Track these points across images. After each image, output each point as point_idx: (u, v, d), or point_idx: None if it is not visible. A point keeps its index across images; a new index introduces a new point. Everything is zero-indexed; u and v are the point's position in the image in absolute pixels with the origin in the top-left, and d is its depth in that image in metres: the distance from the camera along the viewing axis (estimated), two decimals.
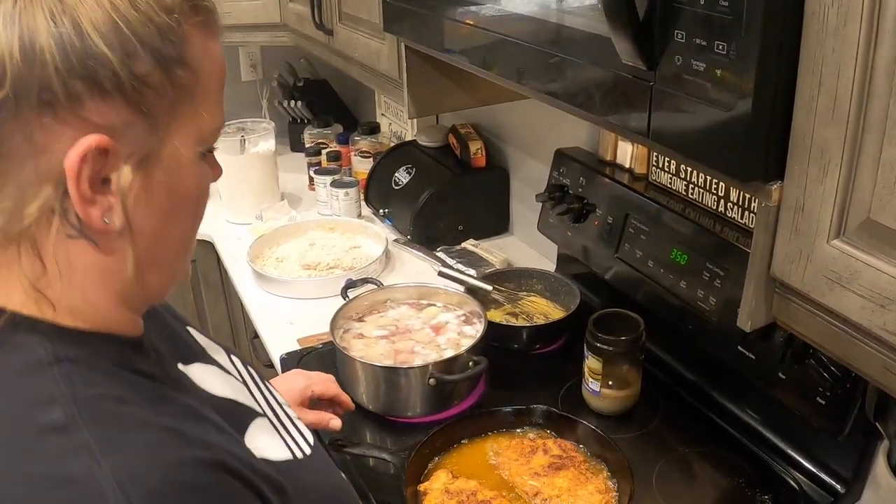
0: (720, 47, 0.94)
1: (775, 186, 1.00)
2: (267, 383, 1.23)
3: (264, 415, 1.10)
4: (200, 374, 1.05)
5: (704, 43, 0.96)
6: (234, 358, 1.20)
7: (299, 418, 1.19)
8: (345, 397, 1.73)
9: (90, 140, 0.78)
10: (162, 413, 0.86)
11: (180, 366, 1.03)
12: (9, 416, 0.81)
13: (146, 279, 0.90)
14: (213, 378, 1.07)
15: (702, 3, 0.95)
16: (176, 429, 0.85)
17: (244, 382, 1.15)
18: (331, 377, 1.75)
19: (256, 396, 1.14)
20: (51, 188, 0.80)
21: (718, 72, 0.95)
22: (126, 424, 0.82)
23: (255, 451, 0.97)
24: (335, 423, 1.63)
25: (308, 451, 1.11)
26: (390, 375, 1.87)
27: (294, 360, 2.13)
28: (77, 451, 0.78)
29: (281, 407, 1.17)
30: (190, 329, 1.17)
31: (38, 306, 0.86)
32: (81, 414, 0.80)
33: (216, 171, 0.98)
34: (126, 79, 0.79)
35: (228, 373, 1.13)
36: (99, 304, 0.89)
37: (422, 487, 1.58)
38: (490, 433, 1.76)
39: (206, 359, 1.11)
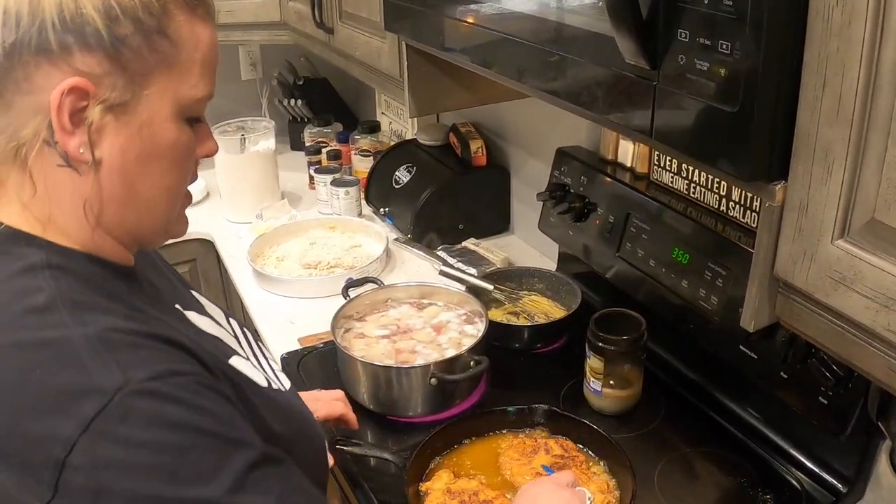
0: (724, 46, 0.94)
1: (779, 186, 1.00)
2: (262, 346, 1.37)
3: (247, 358, 1.23)
4: (195, 319, 1.19)
5: (708, 42, 0.96)
6: (231, 320, 1.34)
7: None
8: (350, 417, 1.75)
9: (71, 81, 0.95)
10: (134, 317, 1.00)
11: (178, 306, 1.18)
12: (1, 304, 0.97)
13: (124, 215, 1.06)
14: (207, 324, 1.21)
15: (705, 2, 0.95)
16: (144, 318, 1.01)
17: (235, 336, 1.28)
18: (338, 395, 1.77)
19: (243, 345, 1.28)
20: (41, 118, 0.97)
21: (722, 71, 0.95)
22: (97, 309, 0.98)
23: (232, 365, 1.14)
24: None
25: (283, 389, 1.27)
26: (391, 375, 1.87)
27: (295, 360, 2.13)
28: (54, 325, 0.94)
29: (267, 360, 1.33)
30: (193, 291, 1.34)
31: (31, 224, 1.03)
32: (61, 301, 0.96)
33: (206, 145, 1.13)
34: (108, 37, 0.96)
35: (221, 326, 1.26)
36: (81, 227, 1.04)
37: (423, 487, 1.58)
38: (491, 433, 1.75)
39: (203, 312, 1.25)
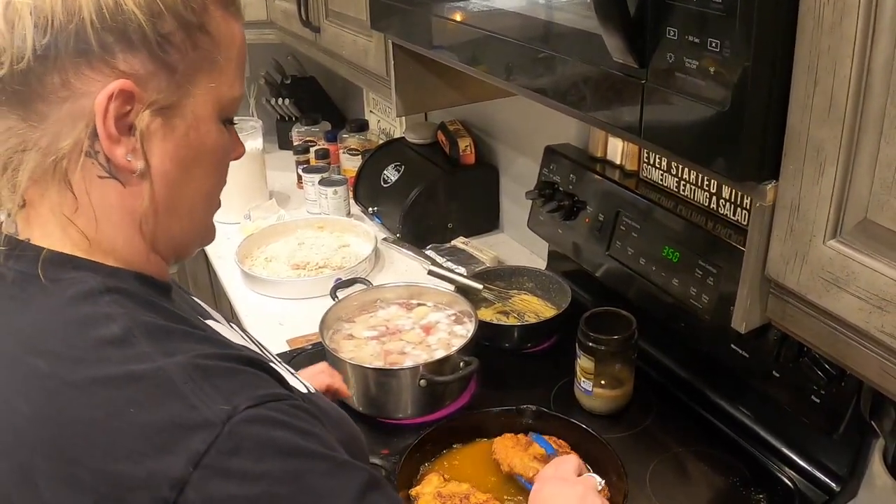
0: (713, 44, 0.92)
1: (770, 186, 0.98)
2: (265, 348, 1.30)
3: (279, 363, 1.18)
4: (217, 327, 1.11)
5: (697, 40, 0.95)
6: (233, 325, 1.26)
7: None
8: (340, 386, 1.72)
9: (117, 84, 0.89)
10: (206, 339, 0.96)
11: (199, 317, 1.10)
12: (65, 334, 0.90)
13: (171, 225, 1.01)
14: (229, 332, 1.13)
15: None
16: (212, 340, 0.97)
17: (251, 342, 1.22)
18: (322, 368, 1.75)
19: (265, 352, 1.23)
20: (82, 126, 0.91)
21: (712, 69, 0.94)
22: (174, 335, 0.92)
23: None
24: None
25: (313, 390, 1.21)
26: (381, 377, 1.85)
27: (284, 362, 2.10)
28: (139, 357, 0.87)
29: (281, 363, 1.25)
30: (194, 297, 1.26)
31: (75, 245, 0.96)
32: (137, 329, 0.89)
33: (238, 147, 1.09)
34: (151, 35, 0.91)
35: (237, 331, 1.20)
36: (129, 243, 0.99)
37: (413, 492, 1.57)
38: (482, 436, 1.74)
39: (217, 319, 1.19)
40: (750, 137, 0.94)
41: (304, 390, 1.14)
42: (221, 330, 1.12)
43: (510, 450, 1.64)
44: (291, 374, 1.18)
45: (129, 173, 0.94)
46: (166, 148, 0.95)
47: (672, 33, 0.98)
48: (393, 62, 2.04)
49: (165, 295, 1.03)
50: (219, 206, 1.11)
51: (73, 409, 0.85)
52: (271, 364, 1.02)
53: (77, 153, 0.92)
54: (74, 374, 0.87)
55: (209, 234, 1.12)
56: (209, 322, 1.12)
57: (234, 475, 0.83)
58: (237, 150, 1.09)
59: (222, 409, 0.85)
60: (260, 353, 1.16)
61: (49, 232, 0.97)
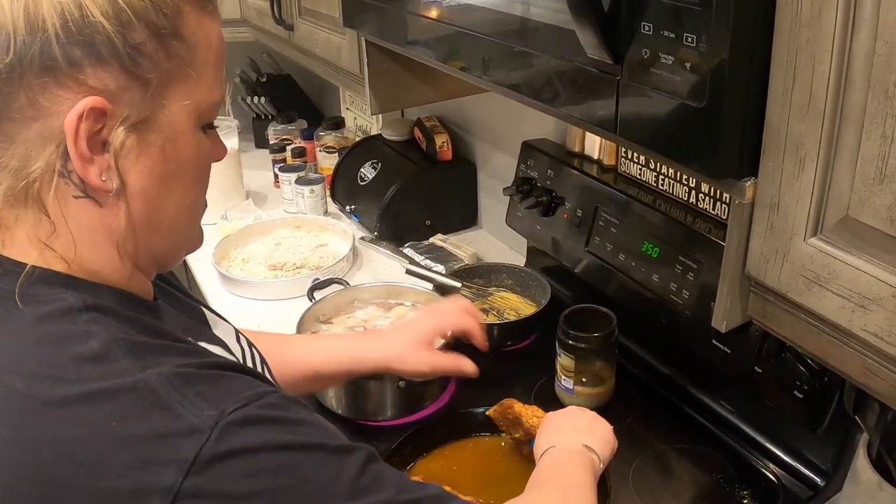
0: (689, 39, 0.91)
1: (749, 183, 0.97)
2: (266, 367, 1.28)
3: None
4: (207, 347, 1.07)
5: (673, 35, 0.93)
6: (241, 338, 1.25)
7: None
8: (477, 333, 1.72)
9: (87, 101, 0.85)
10: (190, 351, 0.94)
11: (190, 338, 1.04)
12: (43, 353, 0.87)
13: (151, 242, 0.98)
14: (221, 353, 1.10)
15: None
16: (195, 351, 0.96)
17: (245, 362, 1.20)
18: (464, 306, 1.74)
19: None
20: (53, 146, 0.87)
21: (688, 65, 0.92)
22: (156, 351, 0.89)
23: None
24: (469, 367, 1.66)
25: None
26: (359, 379, 1.83)
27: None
28: (120, 372, 0.84)
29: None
30: (204, 308, 1.24)
31: (53, 264, 0.93)
32: (117, 345, 0.86)
33: (219, 150, 1.06)
34: (121, 46, 0.86)
35: (233, 353, 1.15)
36: (109, 262, 0.95)
37: None
38: (462, 436, 1.72)
39: (213, 340, 1.14)
40: (728, 134, 0.93)
41: None
42: (212, 349, 1.10)
43: (515, 404, 1.63)
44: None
45: (104, 193, 0.91)
46: (143, 164, 0.92)
47: (647, 28, 0.96)
48: (367, 60, 2.03)
49: (149, 311, 1.00)
50: (205, 207, 1.08)
51: (55, 429, 0.83)
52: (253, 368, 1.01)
53: (50, 174, 0.89)
54: (53, 393, 0.84)
55: (196, 241, 1.10)
56: (200, 342, 1.07)
57: (230, 476, 0.82)
58: (219, 152, 1.06)
59: (209, 415, 0.83)
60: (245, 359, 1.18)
61: (26, 253, 0.93)
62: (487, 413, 1.66)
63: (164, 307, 1.06)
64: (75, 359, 0.85)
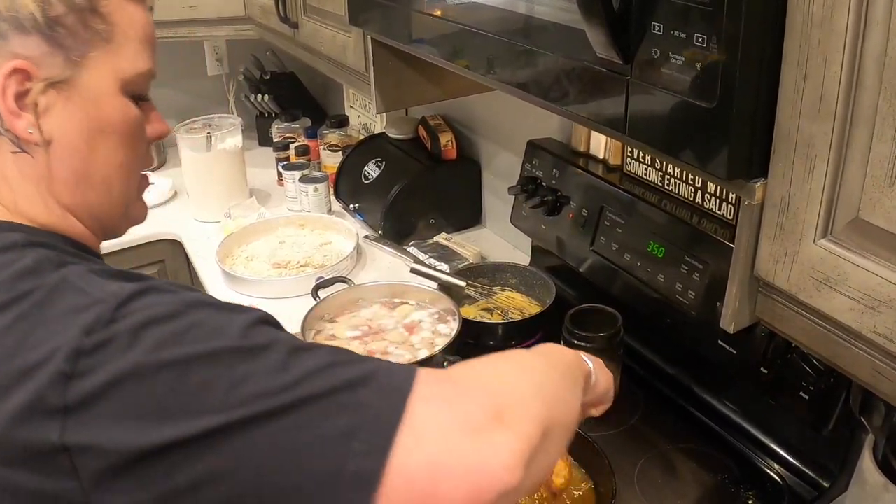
0: (700, 39, 0.90)
1: (759, 184, 0.97)
2: None
3: None
4: None
5: (683, 35, 0.92)
6: None
7: None
8: None
9: (12, 64, 0.98)
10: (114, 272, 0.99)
11: None
12: None
13: (86, 196, 1.08)
14: None
15: None
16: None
17: None
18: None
19: None
20: None
21: (698, 65, 0.92)
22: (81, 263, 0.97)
23: None
24: None
25: None
26: None
27: None
28: (47, 276, 0.92)
29: None
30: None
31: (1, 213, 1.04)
32: (48, 262, 0.94)
33: (157, 126, 1.17)
34: (42, 20, 0.99)
35: None
36: (50, 212, 1.06)
37: None
38: None
39: None
40: (738, 134, 0.92)
41: None
42: None
43: None
44: None
45: (34, 146, 1.02)
46: (67, 120, 1.03)
47: (657, 28, 0.96)
48: (372, 58, 2.02)
49: (95, 256, 1.09)
50: (146, 182, 1.19)
51: None
52: None
53: None
54: None
55: (135, 211, 1.19)
56: None
57: (124, 331, 0.85)
58: (156, 128, 1.17)
59: (114, 289, 0.90)
60: None
61: None
62: None
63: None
64: (13, 274, 0.92)
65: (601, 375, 1.32)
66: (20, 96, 1.00)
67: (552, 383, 1.04)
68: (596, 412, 1.37)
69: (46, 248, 0.98)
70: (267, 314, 0.96)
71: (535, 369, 1.04)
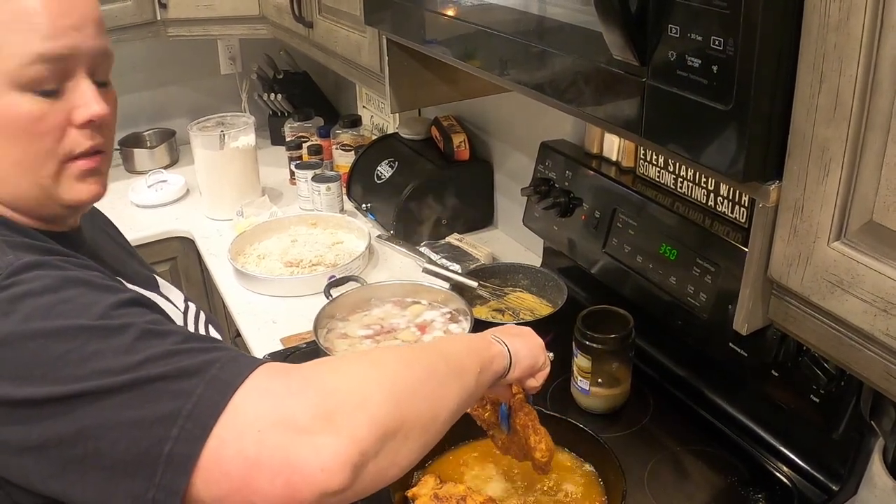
0: (716, 42, 0.91)
1: (773, 186, 0.97)
2: (210, 326, 1.43)
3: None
4: (138, 290, 1.20)
5: (700, 38, 0.93)
6: (189, 303, 1.42)
7: None
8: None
9: None
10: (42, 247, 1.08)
11: (121, 279, 1.22)
12: None
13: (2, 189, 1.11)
14: (150, 296, 1.24)
15: None
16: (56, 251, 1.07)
17: (183, 314, 1.37)
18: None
19: (188, 323, 1.37)
20: None
21: (714, 68, 0.92)
22: (4, 236, 1.05)
23: None
24: None
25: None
26: None
27: (277, 360, 2.09)
28: None
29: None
30: (157, 277, 1.42)
31: None
32: None
33: (82, 110, 1.12)
34: None
35: (171, 303, 1.36)
36: None
37: (410, 493, 1.55)
38: (476, 437, 1.72)
39: (153, 290, 1.34)
40: (753, 137, 0.93)
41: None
42: (166, 293, 1.33)
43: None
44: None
45: None
46: None
47: (674, 30, 0.96)
48: (387, 58, 2.03)
49: (43, 236, 1.13)
50: (85, 166, 1.16)
51: None
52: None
53: None
54: None
55: (68, 195, 1.16)
56: (131, 286, 1.20)
57: (7, 299, 0.93)
58: (81, 112, 1.12)
59: (8, 261, 0.97)
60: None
61: None
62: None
63: (77, 239, 1.23)
64: None
65: (522, 349, 1.34)
66: None
67: (410, 381, 1.04)
68: (535, 382, 1.40)
69: None
70: (139, 296, 1.03)
71: (389, 366, 1.05)
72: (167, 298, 1.35)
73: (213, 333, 1.40)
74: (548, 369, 1.42)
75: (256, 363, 0.95)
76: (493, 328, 1.40)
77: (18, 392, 0.90)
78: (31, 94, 1.07)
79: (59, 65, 1.08)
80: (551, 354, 1.45)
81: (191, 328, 1.34)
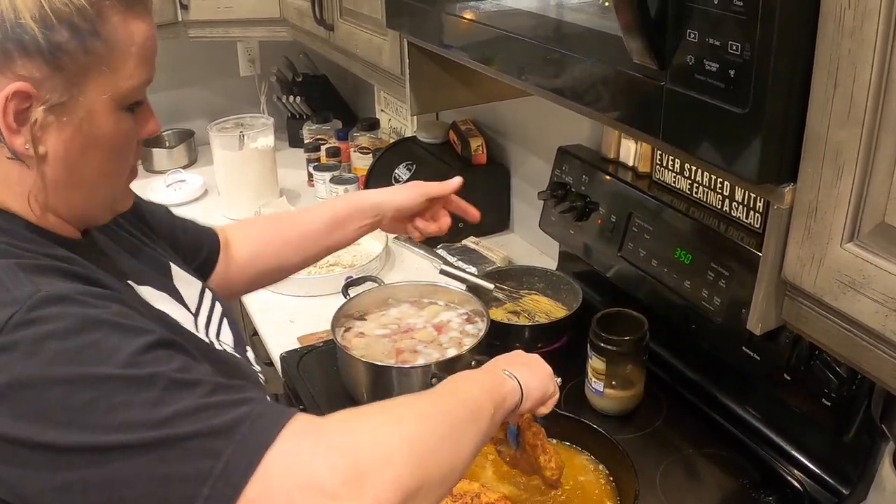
0: (734, 47, 0.93)
1: (788, 189, 0.99)
2: (224, 321, 1.43)
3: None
4: (149, 294, 1.25)
5: (718, 43, 0.95)
6: (206, 294, 1.44)
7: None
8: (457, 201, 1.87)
9: (13, 86, 1.02)
10: (56, 262, 1.07)
11: (131, 282, 1.24)
12: None
13: (69, 199, 1.13)
14: (161, 301, 1.27)
15: (716, 2, 0.94)
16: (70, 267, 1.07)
17: (195, 314, 1.36)
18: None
19: (199, 324, 1.35)
20: None
21: (732, 72, 0.94)
22: (22, 256, 1.04)
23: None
24: (472, 210, 1.89)
25: (225, 347, 1.36)
26: (392, 375, 1.86)
27: (294, 359, 2.12)
28: None
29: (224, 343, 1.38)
30: (171, 263, 1.42)
31: None
32: None
33: (148, 126, 1.19)
34: (45, 45, 1.02)
35: (182, 304, 1.34)
36: (26, 205, 1.11)
37: None
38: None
39: (164, 288, 1.32)
40: (769, 140, 0.95)
41: (205, 339, 1.30)
42: (154, 296, 1.26)
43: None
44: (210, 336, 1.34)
45: (29, 158, 1.07)
46: (61, 138, 1.07)
47: (693, 35, 0.98)
48: (408, 61, 2.05)
49: (65, 245, 1.13)
50: (134, 175, 1.23)
51: None
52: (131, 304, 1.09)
53: None
54: None
55: (122, 202, 1.24)
56: (144, 288, 1.25)
57: (30, 338, 0.93)
58: (147, 128, 1.19)
59: (29, 293, 0.96)
60: (179, 319, 1.27)
61: None
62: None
63: (93, 248, 1.23)
64: None
65: (532, 381, 1.40)
66: (19, 114, 1.04)
67: (432, 439, 1.07)
68: (545, 410, 1.45)
69: (2, 233, 1.07)
70: (164, 336, 1.02)
71: (412, 424, 1.07)
72: (179, 295, 1.35)
73: (226, 332, 1.41)
74: (557, 396, 1.47)
75: (284, 418, 0.97)
76: (503, 357, 1.45)
77: (42, 436, 0.91)
78: (124, 111, 1.12)
79: (146, 86, 1.15)
80: (559, 380, 1.48)
81: (202, 328, 1.34)
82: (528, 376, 1.39)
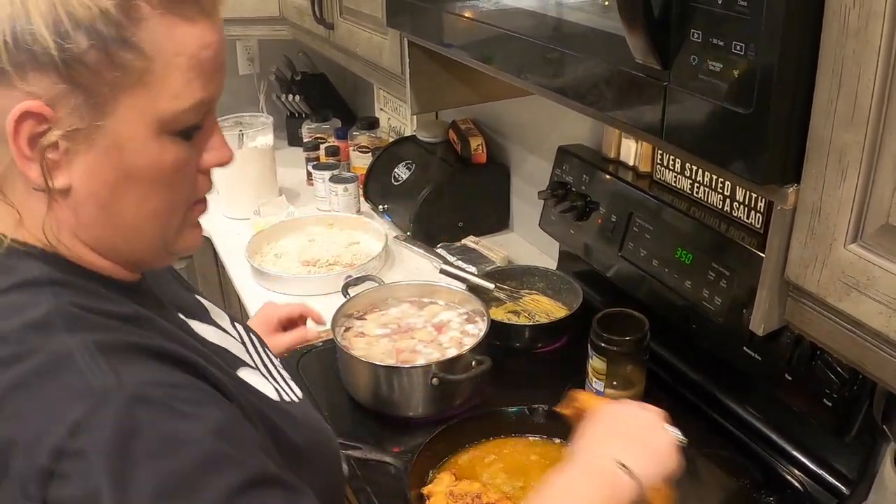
0: (738, 47, 0.93)
1: (791, 189, 0.99)
2: (267, 349, 1.31)
3: (256, 367, 1.18)
4: (199, 327, 1.13)
5: (721, 42, 0.95)
6: (236, 324, 1.28)
7: (281, 365, 1.31)
8: (312, 311, 1.84)
9: (24, 105, 0.87)
10: (133, 332, 0.95)
11: (181, 315, 1.12)
12: (1, 317, 0.92)
13: (111, 240, 0.99)
14: (211, 333, 1.15)
15: (720, 2, 0.94)
16: (144, 332, 0.96)
17: (242, 342, 1.23)
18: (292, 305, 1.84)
19: (252, 354, 1.22)
20: (6, 145, 0.90)
21: (736, 72, 0.94)
22: (97, 326, 0.92)
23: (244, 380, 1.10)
24: (311, 330, 1.83)
25: (297, 400, 1.21)
26: (392, 375, 1.85)
27: (294, 358, 2.11)
28: (51, 338, 0.89)
29: (276, 368, 1.27)
30: (199, 297, 1.27)
31: (32, 240, 0.97)
32: (59, 316, 0.91)
33: (216, 154, 1.03)
34: (58, 55, 0.86)
35: (228, 333, 1.21)
36: (73, 248, 0.98)
37: (426, 490, 1.57)
38: (493, 435, 1.74)
39: (207, 320, 1.19)
40: (773, 141, 0.95)
41: (274, 397, 1.14)
42: (204, 329, 1.14)
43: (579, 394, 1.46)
44: (273, 380, 1.20)
45: (48, 191, 0.92)
46: (88, 168, 0.92)
47: (696, 35, 0.98)
48: (408, 60, 2.04)
49: (124, 292, 1.01)
50: (201, 208, 1.07)
51: None
52: (212, 369, 0.99)
53: (13, 169, 0.92)
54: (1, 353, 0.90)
55: (183, 243, 1.06)
56: (192, 322, 1.13)
57: (111, 450, 0.84)
58: (214, 156, 1.03)
59: (107, 381, 0.86)
60: (237, 353, 1.17)
61: (8, 227, 0.97)
62: (562, 411, 1.48)
63: (149, 285, 1.11)
64: (22, 325, 0.90)
65: (649, 466, 1.19)
66: (34, 139, 0.89)
67: None
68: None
69: (63, 289, 0.94)
70: (259, 475, 0.91)
71: None
72: (223, 329, 1.20)
73: (274, 361, 1.30)
74: (678, 467, 1.25)
75: None
76: (606, 427, 1.25)
77: None
78: (173, 137, 0.95)
79: (206, 108, 0.98)
80: (685, 439, 1.27)
81: (257, 361, 1.21)
82: (646, 462, 1.18)
